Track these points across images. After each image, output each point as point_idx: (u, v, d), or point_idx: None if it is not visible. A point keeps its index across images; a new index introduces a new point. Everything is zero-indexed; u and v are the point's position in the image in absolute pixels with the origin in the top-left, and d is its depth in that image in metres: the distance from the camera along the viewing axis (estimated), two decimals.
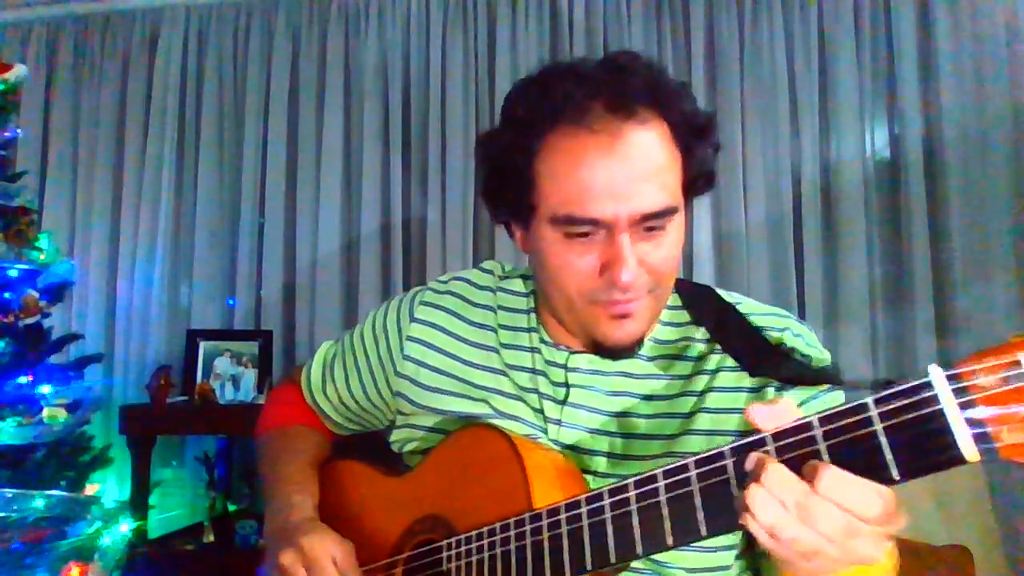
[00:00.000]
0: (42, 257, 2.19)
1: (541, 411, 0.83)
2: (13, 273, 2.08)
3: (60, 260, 2.31)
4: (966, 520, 1.87)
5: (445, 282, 0.95)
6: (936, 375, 0.49)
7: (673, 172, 0.74)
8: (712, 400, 0.78)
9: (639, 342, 0.80)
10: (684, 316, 0.85)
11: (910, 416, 0.50)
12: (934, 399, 0.49)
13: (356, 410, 1.00)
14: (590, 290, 0.75)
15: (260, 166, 2.73)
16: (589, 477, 0.79)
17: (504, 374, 0.86)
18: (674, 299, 0.86)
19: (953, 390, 0.48)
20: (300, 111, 2.73)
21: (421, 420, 0.90)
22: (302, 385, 1.05)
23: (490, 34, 2.65)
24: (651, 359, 0.83)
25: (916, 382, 0.50)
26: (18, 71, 2.20)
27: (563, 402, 0.82)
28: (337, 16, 2.72)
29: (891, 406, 0.51)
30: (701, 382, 0.80)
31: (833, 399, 0.77)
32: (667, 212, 0.73)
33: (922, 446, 0.49)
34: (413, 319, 0.92)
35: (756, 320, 0.81)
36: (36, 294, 2.12)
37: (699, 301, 0.85)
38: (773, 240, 2.45)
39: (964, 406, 0.48)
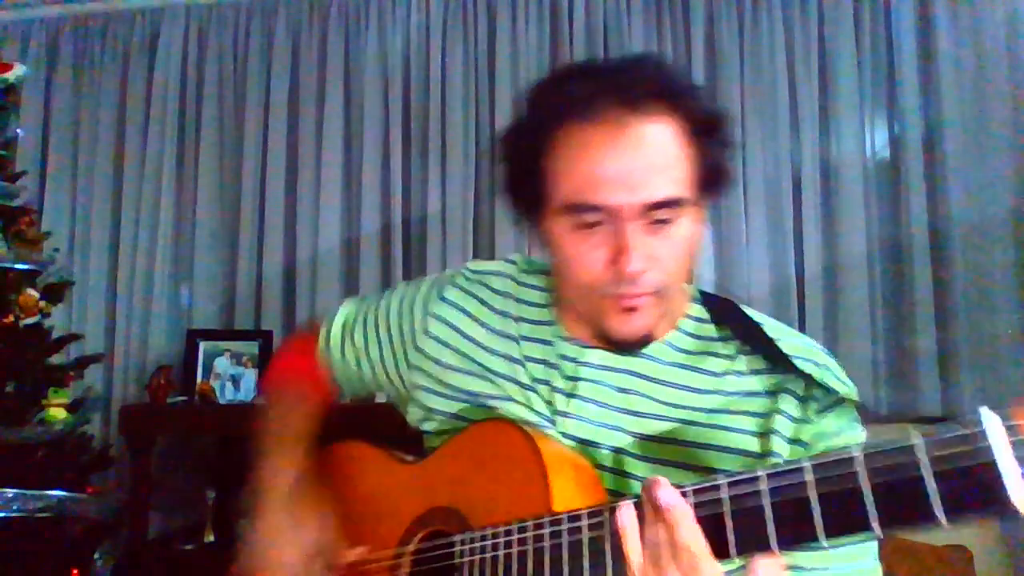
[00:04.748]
0: (42, 257, 2.19)
1: (551, 403, 0.84)
2: (13, 273, 2.09)
3: (60, 260, 2.32)
4: None
5: (476, 271, 0.97)
6: (990, 422, 0.48)
7: (681, 167, 0.75)
8: (729, 419, 0.79)
9: (647, 338, 0.80)
10: (711, 330, 0.85)
11: (961, 462, 0.48)
12: (987, 448, 0.48)
13: (368, 373, 1.01)
14: (600, 282, 0.76)
15: (260, 166, 2.73)
16: (597, 472, 0.79)
17: (521, 364, 0.87)
18: (699, 311, 0.86)
19: (1010, 440, 0.47)
20: (300, 111, 2.73)
21: (439, 404, 0.91)
22: (320, 340, 1.05)
23: (490, 34, 2.65)
24: (669, 364, 0.83)
25: (969, 429, 0.49)
26: (18, 71, 2.21)
27: (572, 395, 0.83)
28: (337, 16, 2.72)
29: (941, 450, 0.49)
30: (718, 399, 0.80)
31: (855, 437, 0.76)
32: (674, 202, 0.73)
33: (971, 493, 0.48)
34: (443, 299, 0.94)
35: (783, 344, 0.81)
36: (36, 294, 2.12)
37: (726, 313, 0.86)
38: (773, 241, 2.45)
39: (1020, 458, 0.46)
